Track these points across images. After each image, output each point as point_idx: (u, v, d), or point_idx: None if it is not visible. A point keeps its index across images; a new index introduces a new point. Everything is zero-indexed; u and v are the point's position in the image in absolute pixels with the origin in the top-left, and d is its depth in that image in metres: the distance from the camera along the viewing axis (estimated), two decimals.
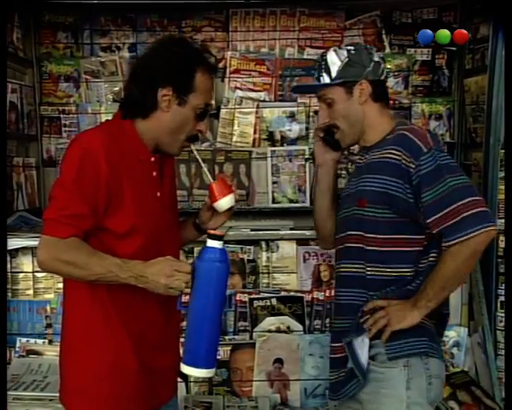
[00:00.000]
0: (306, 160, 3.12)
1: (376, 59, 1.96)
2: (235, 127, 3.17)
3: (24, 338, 2.82)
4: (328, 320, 2.83)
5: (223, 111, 3.16)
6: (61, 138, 3.19)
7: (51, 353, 2.76)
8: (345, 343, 1.91)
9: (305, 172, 3.13)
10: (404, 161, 1.83)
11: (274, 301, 2.86)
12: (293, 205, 3.13)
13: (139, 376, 1.83)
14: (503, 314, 2.65)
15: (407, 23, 3.18)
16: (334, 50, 1.95)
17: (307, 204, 3.10)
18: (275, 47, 3.20)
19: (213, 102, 3.13)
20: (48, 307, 2.85)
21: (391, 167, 1.85)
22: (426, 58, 3.15)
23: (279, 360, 2.82)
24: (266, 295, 2.87)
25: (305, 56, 3.18)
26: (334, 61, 1.93)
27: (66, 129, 3.19)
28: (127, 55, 3.19)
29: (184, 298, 1.75)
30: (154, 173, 1.84)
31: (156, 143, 1.82)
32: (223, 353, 2.80)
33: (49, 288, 2.87)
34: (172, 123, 1.79)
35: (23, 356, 2.79)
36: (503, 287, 2.65)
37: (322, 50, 2.08)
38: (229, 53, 3.18)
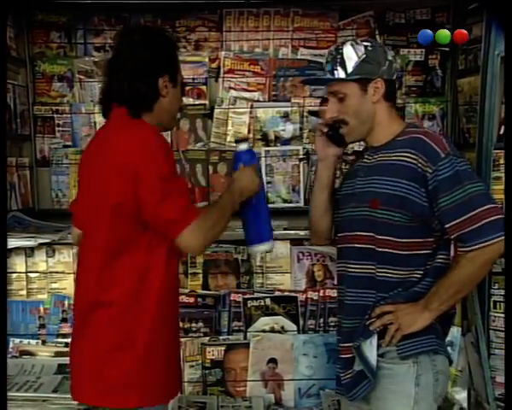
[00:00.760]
0: (301, 160, 3.12)
1: (390, 58, 1.95)
2: (229, 127, 3.16)
3: (17, 339, 2.82)
4: (322, 320, 2.85)
5: (217, 111, 3.16)
6: (55, 138, 3.18)
7: (44, 353, 2.76)
8: (354, 347, 1.91)
9: (299, 173, 3.13)
10: (420, 165, 1.83)
11: (268, 301, 2.87)
12: (287, 205, 3.13)
13: (179, 364, 2.02)
14: (496, 314, 2.66)
15: (400, 24, 3.18)
16: (352, 44, 1.91)
17: (301, 204, 3.11)
18: (269, 47, 3.19)
19: (207, 102, 3.16)
20: (41, 308, 2.85)
21: (406, 171, 1.85)
22: (419, 59, 3.15)
23: (273, 360, 2.82)
24: (260, 295, 2.88)
25: (298, 56, 3.17)
26: (351, 55, 1.90)
27: (60, 129, 3.18)
28: None
29: None
30: None
31: (159, 128, 1.95)
32: (217, 353, 2.80)
33: (42, 288, 2.87)
34: (172, 104, 1.97)
35: (16, 357, 2.79)
36: (496, 287, 2.65)
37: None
38: (223, 53, 3.17)
